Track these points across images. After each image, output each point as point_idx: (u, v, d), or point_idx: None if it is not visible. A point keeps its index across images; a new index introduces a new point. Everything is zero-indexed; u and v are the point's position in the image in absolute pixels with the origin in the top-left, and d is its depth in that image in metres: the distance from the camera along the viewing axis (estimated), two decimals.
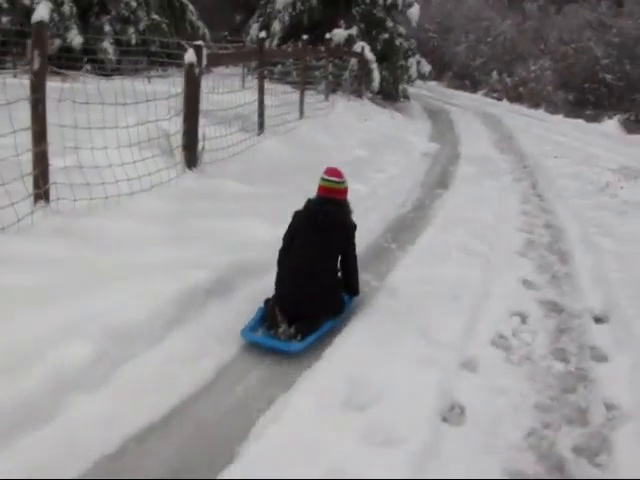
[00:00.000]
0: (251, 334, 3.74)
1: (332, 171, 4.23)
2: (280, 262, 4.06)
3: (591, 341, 4.19)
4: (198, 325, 3.75)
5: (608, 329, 4.38)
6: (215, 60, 7.12)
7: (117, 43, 18.16)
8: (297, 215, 4.14)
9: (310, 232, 3.99)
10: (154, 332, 3.50)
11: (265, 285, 4.29)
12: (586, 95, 25.42)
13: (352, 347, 3.66)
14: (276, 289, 3.97)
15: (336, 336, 3.86)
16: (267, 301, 3.95)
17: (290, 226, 4.14)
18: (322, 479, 2.54)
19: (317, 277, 3.89)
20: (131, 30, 18.36)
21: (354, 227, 4.19)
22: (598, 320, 4.55)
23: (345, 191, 4.23)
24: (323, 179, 4.18)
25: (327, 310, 3.98)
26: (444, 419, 3.09)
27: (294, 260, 3.95)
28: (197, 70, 6.19)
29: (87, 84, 5.19)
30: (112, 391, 3.02)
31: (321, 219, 3.99)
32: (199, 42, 6.49)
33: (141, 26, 18.58)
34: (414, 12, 17.60)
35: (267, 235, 4.93)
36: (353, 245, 4.21)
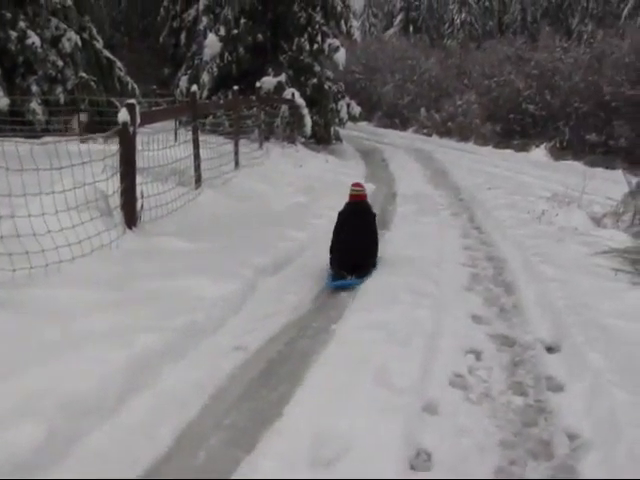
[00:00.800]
0: (332, 283, 5.95)
1: (356, 184, 6.87)
2: (334, 242, 6.36)
3: (546, 372, 4.26)
4: (153, 391, 3.65)
5: (561, 358, 4.46)
6: (149, 118, 7.08)
7: (45, 103, 17.92)
8: (341, 214, 6.57)
9: (353, 220, 6.42)
10: (108, 403, 3.38)
11: (217, 344, 4.25)
12: (512, 126, 26.24)
13: (311, 401, 3.60)
14: (336, 258, 6.20)
15: (295, 388, 3.81)
16: (332, 264, 6.20)
17: (338, 221, 6.52)
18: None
19: (363, 244, 6.29)
20: (59, 89, 18.13)
21: (375, 215, 6.70)
22: (550, 350, 4.62)
23: (365, 195, 6.81)
24: (352, 189, 6.72)
25: (370, 263, 6.31)
26: (412, 467, 3.07)
27: (346, 238, 6.25)
28: (131, 129, 6.14)
29: (19, 146, 5.05)
30: (69, 470, 2.89)
31: (357, 211, 6.50)
32: (131, 100, 6.45)
33: (69, 85, 18.37)
34: (340, 56, 17.86)
35: (214, 292, 4.89)
36: (375, 227, 6.53)
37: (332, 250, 6.31)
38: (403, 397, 3.63)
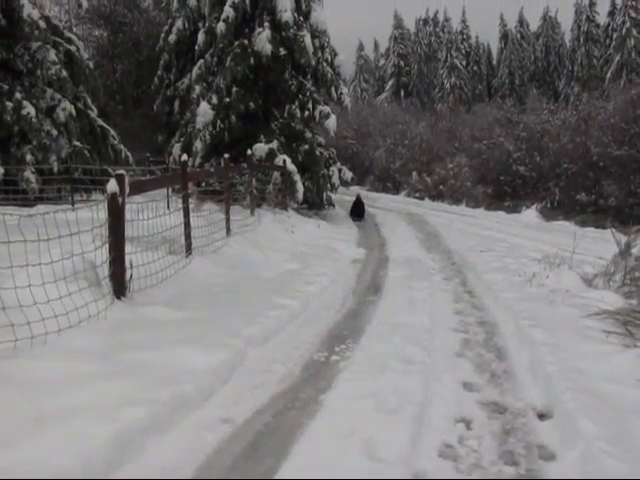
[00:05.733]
0: (354, 219, 19.32)
1: (357, 195, 20.94)
2: (352, 209, 20.10)
3: (537, 439, 4.18)
4: (137, 466, 3.59)
5: (552, 425, 4.38)
6: (138, 188, 7.12)
7: (39, 172, 18.11)
8: (355, 201, 20.30)
9: (358, 202, 20.19)
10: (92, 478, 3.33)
11: (204, 416, 4.19)
12: (503, 187, 26.53)
13: (297, 475, 3.54)
14: (354, 214, 19.81)
15: (281, 462, 3.74)
16: (352, 215, 19.98)
17: (353, 202, 20.26)
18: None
19: (361, 209, 20.08)
20: (53, 158, 18.36)
21: (363, 202, 20.55)
22: (542, 416, 4.55)
23: (360, 196, 20.93)
24: (357, 196, 20.87)
25: (364, 215, 20.04)
26: None
27: (357, 209, 19.96)
28: (120, 199, 6.18)
29: (7, 216, 5.06)
30: None
31: (359, 199, 20.43)
32: (121, 170, 6.50)
33: (63, 153, 18.61)
34: (331, 122, 18.10)
35: (203, 363, 4.84)
36: (363, 204, 20.34)
37: (351, 212, 19.72)
38: (391, 470, 3.57)
